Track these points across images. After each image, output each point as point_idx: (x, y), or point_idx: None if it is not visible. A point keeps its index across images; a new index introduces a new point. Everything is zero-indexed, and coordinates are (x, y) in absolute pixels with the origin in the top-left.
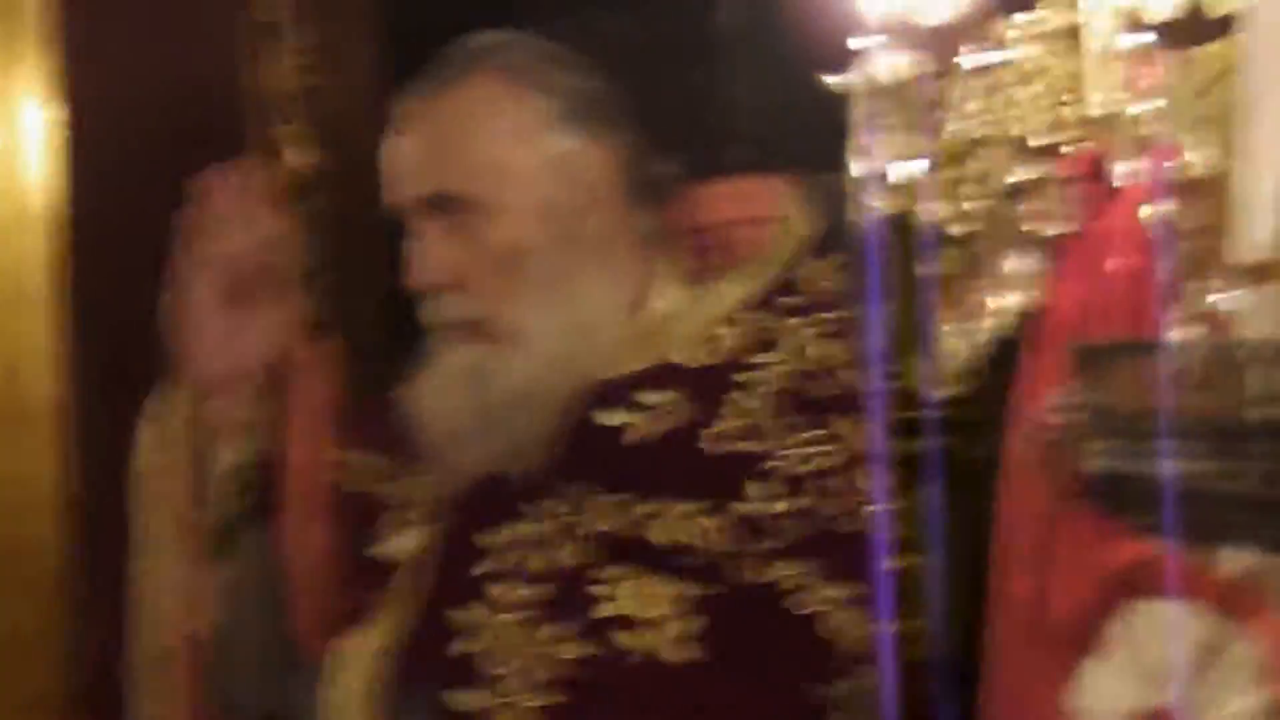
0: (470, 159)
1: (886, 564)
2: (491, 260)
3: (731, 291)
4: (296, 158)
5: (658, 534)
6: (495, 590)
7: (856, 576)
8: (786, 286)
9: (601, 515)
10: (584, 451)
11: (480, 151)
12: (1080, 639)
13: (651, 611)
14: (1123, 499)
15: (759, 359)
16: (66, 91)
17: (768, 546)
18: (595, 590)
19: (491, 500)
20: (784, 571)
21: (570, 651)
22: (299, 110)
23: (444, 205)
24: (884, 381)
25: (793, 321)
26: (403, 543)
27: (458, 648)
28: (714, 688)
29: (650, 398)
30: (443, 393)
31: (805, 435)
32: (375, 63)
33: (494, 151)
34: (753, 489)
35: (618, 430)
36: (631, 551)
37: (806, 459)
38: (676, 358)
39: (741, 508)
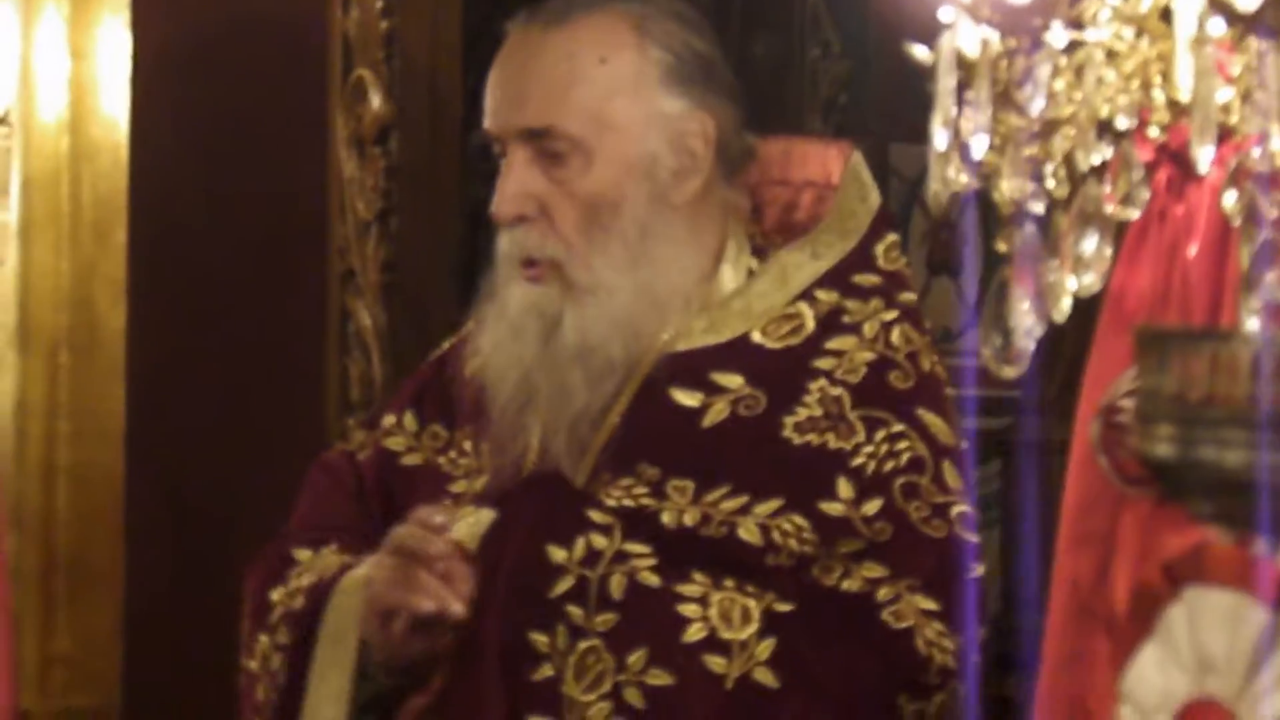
0: (579, 99)
1: (974, 570)
2: (580, 205)
3: (807, 265)
4: (377, 102)
5: (748, 532)
6: (576, 611)
7: (946, 585)
8: (864, 262)
9: (685, 503)
10: (661, 431)
11: (591, 93)
12: (1139, 624)
13: (744, 631)
14: (1186, 485)
15: (841, 344)
16: (137, 21)
17: (857, 549)
18: (682, 609)
19: (559, 504)
20: (873, 574)
21: (660, 678)
22: (380, 55)
23: (542, 139)
24: (968, 362)
25: (874, 303)
26: (466, 528)
27: (540, 673)
28: (810, 709)
29: (728, 379)
30: (511, 337)
31: (894, 428)
32: (453, 8)
33: (605, 96)
34: (842, 487)
35: (696, 411)
36: (719, 555)
37: (894, 454)
38: (757, 335)
39: (831, 507)
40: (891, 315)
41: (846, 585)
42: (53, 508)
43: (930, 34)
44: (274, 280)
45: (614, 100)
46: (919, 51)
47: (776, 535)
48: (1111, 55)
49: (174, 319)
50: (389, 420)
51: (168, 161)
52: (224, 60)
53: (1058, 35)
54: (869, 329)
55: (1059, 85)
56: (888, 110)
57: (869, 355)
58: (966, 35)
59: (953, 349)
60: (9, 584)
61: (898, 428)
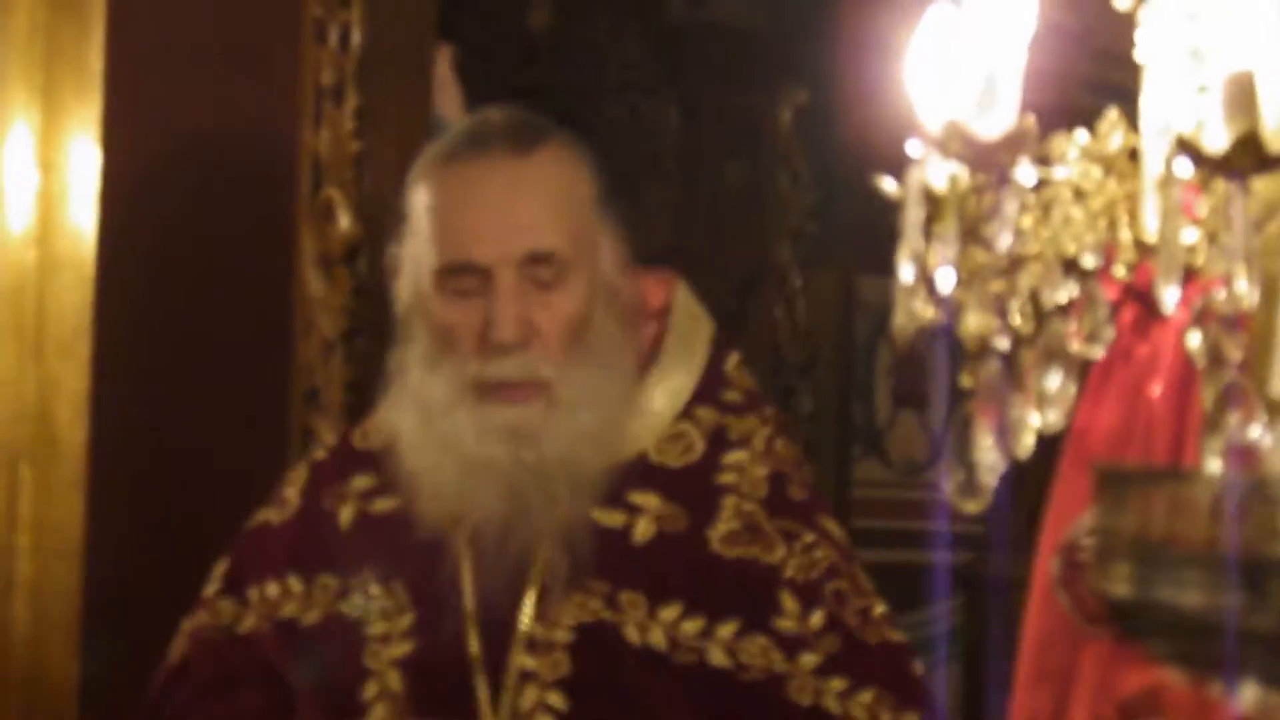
0: (566, 222)
1: (919, 669)
2: (564, 324)
3: (677, 385)
4: (346, 222)
5: (718, 657)
6: None
7: (907, 688)
8: (722, 380)
9: (642, 617)
10: (597, 549)
11: (573, 217)
12: None
13: None
14: (1144, 625)
15: (735, 458)
16: (108, 137)
17: (817, 662)
18: None
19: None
20: (839, 688)
21: None
22: (350, 174)
23: (536, 263)
24: (933, 496)
25: (750, 418)
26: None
27: None
28: None
29: (644, 498)
30: (469, 471)
31: (806, 538)
32: (424, 130)
33: (581, 219)
34: (786, 601)
35: (622, 531)
36: (696, 683)
37: (814, 563)
38: (654, 455)
39: (784, 624)
40: (769, 429)
41: (829, 705)
42: (9, 622)
43: (899, 167)
44: (237, 398)
45: (585, 223)
46: (887, 184)
47: (744, 657)
48: (1079, 194)
49: (136, 434)
50: (273, 590)
51: (134, 276)
52: (193, 176)
53: (1026, 173)
54: (757, 443)
55: (1026, 222)
56: (855, 241)
57: (764, 470)
58: (935, 170)
59: (918, 482)
60: None
61: (809, 537)
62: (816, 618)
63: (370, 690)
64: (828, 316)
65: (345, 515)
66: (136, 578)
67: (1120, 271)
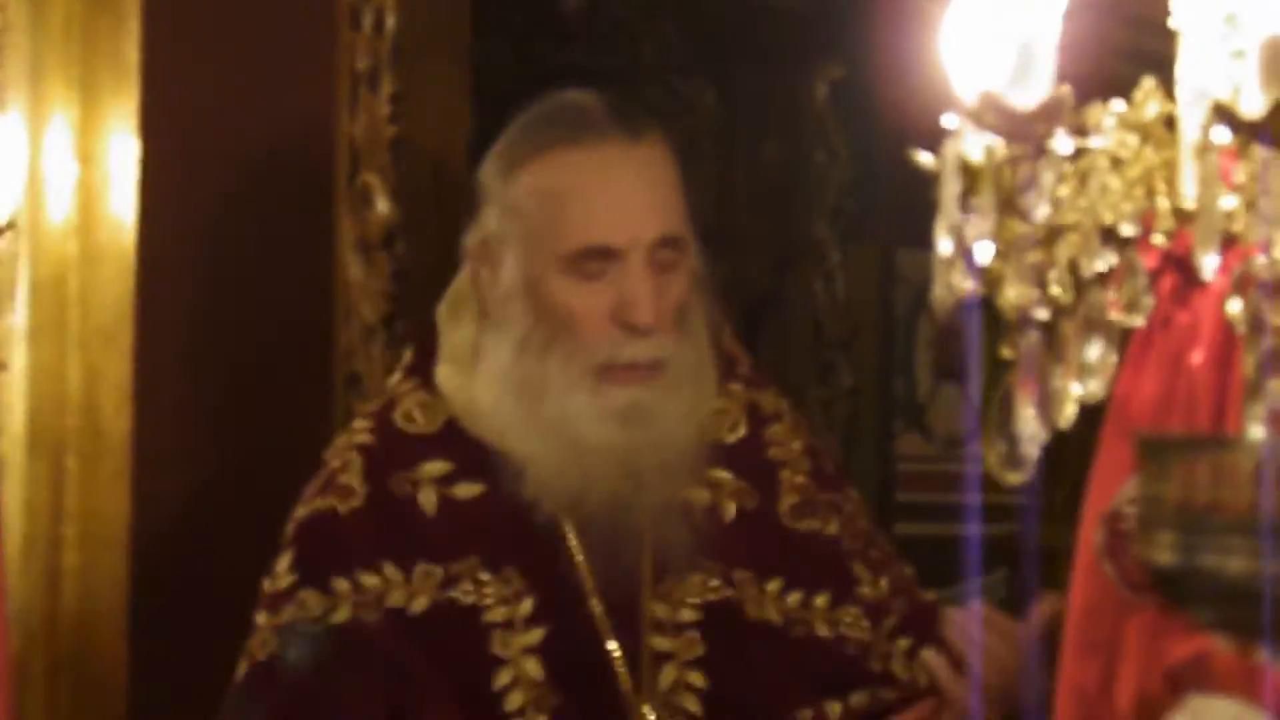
0: (678, 204)
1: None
2: (675, 304)
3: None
4: (384, 206)
5: (822, 629)
6: None
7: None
8: (728, 355)
9: (755, 594)
10: (699, 526)
11: (679, 198)
12: None
13: None
14: (1188, 593)
15: (774, 433)
16: (146, 127)
17: (893, 625)
18: None
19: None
20: (902, 647)
21: None
22: (387, 159)
23: (665, 247)
24: (973, 468)
25: (769, 391)
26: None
27: None
28: None
29: (718, 474)
30: (581, 451)
31: (846, 508)
32: (460, 113)
33: (682, 200)
34: (858, 569)
35: (711, 509)
36: (805, 658)
37: (858, 532)
38: (710, 432)
39: (864, 591)
40: (785, 401)
41: (895, 670)
42: (57, 612)
43: (935, 140)
44: (279, 385)
45: (684, 205)
46: (924, 158)
47: (842, 628)
48: (1116, 162)
49: (179, 423)
50: (370, 579)
51: (175, 266)
52: (231, 164)
53: (1062, 142)
54: (787, 417)
55: (1063, 192)
56: (894, 216)
57: (800, 443)
58: (971, 142)
59: (958, 455)
60: (12, 687)
61: (849, 507)
62: (884, 581)
63: (504, 678)
64: (867, 291)
65: (427, 501)
66: (182, 566)
67: (1159, 239)
